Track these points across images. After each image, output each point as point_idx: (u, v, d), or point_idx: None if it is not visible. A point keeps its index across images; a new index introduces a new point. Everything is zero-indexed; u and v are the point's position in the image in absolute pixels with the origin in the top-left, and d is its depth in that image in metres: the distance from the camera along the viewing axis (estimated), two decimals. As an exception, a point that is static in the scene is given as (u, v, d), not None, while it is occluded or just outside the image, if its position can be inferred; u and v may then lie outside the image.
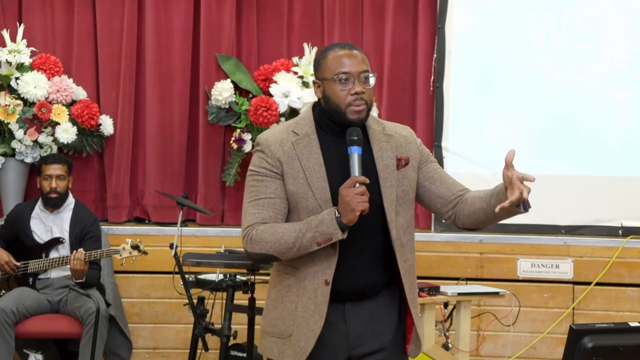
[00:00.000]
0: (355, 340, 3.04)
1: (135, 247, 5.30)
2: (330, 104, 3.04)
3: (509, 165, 3.06)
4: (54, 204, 5.48)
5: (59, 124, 5.90)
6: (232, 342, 5.02)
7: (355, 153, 2.97)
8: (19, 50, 5.94)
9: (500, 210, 3.00)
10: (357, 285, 3.03)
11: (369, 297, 3.06)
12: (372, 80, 3.04)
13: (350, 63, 3.01)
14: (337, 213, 2.93)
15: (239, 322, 5.01)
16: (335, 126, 3.06)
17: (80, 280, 5.24)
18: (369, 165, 3.02)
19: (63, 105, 5.94)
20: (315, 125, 3.07)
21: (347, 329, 3.04)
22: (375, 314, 3.07)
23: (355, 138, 2.97)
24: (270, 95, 5.98)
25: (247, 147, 6.01)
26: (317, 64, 3.08)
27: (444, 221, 3.19)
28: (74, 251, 5.23)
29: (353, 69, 3.01)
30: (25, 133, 5.84)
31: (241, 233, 3.07)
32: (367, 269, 3.04)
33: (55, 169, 5.49)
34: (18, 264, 5.40)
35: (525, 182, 3.02)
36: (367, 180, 2.93)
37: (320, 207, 2.98)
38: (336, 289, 3.00)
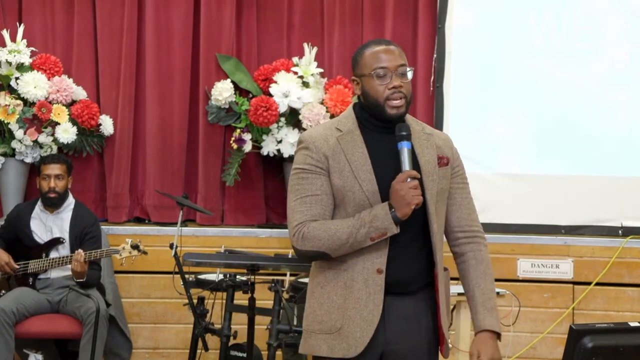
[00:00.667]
0: (391, 336, 3.04)
1: (135, 247, 5.30)
2: (369, 100, 3.07)
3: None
4: (53, 203, 5.48)
5: (59, 124, 5.90)
6: (232, 342, 5.01)
7: (405, 148, 3.00)
8: (19, 50, 5.94)
9: None
10: (404, 276, 3.04)
11: (409, 293, 3.06)
12: (409, 74, 3.08)
13: (387, 58, 3.06)
14: (390, 208, 2.95)
15: (239, 322, 5.01)
16: (376, 122, 3.09)
17: (81, 280, 5.24)
18: (412, 159, 3.05)
19: (63, 105, 5.94)
20: (357, 122, 3.10)
21: (384, 323, 3.03)
22: (413, 312, 3.07)
23: (405, 133, 3.02)
24: (270, 95, 5.98)
25: (247, 147, 6.01)
26: (355, 62, 3.13)
27: None
28: (75, 253, 5.23)
29: (390, 63, 3.05)
30: (25, 133, 5.84)
31: (290, 232, 3.05)
32: (410, 262, 3.05)
33: (53, 169, 5.49)
34: (17, 266, 5.40)
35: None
36: (419, 175, 2.98)
37: (368, 199, 3.00)
38: (392, 280, 3.02)
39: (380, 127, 3.08)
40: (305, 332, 3.11)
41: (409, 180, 2.95)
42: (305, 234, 3.00)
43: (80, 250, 5.22)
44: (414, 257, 3.06)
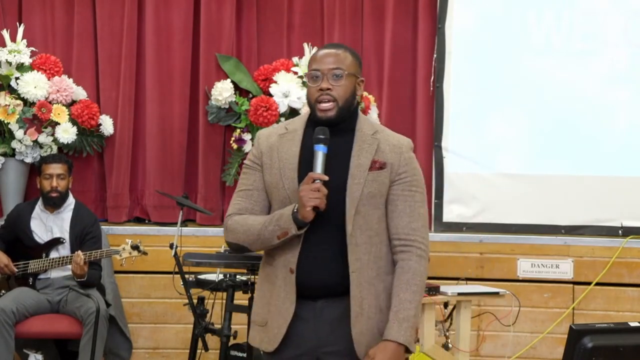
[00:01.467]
0: (324, 339, 3.06)
1: (135, 247, 5.30)
2: (307, 101, 3.14)
3: None
4: (54, 203, 5.48)
5: (59, 124, 5.90)
6: (232, 342, 5.01)
7: (319, 152, 3.02)
8: (19, 50, 5.94)
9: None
10: (320, 277, 3.05)
11: (338, 295, 3.06)
12: (346, 79, 3.07)
13: (322, 61, 3.09)
14: (295, 208, 3.00)
15: (239, 322, 5.01)
16: (319, 123, 3.11)
17: (82, 280, 5.24)
18: (344, 163, 3.07)
19: (63, 105, 5.94)
20: (307, 122, 3.15)
21: (316, 327, 3.07)
22: (345, 315, 3.06)
23: (322, 137, 3.03)
24: (270, 95, 5.98)
25: (247, 147, 6.01)
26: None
27: None
28: (75, 255, 5.23)
29: (324, 66, 3.07)
30: (25, 133, 5.84)
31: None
32: (328, 263, 3.06)
33: (55, 168, 5.49)
34: (16, 269, 5.40)
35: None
36: (326, 177, 2.99)
37: (289, 197, 3.05)
38: (303, 282, 3.05)
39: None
40: (251, 322, 3.25)
41: (316, 182, 2.97)
42: (228, 226, 3.14)
43: (79, 252, 5.22)
44: (332, 259, 3.05)
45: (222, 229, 3.19)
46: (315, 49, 6.10)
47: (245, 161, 3.20)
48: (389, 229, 3.11)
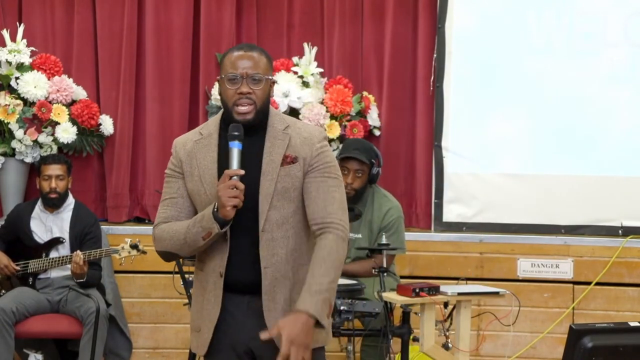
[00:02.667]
0: (253, 331, 3.07)
1: (134, 246, 5.30)
2: (222, 103, 3.14)
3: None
4: (53, 204, 5.48)
5: (59, 123, 5.90)
6: (232, 342, 5.01)
7: (234, 148, 3.04)
8: (19, 50, 5.94)
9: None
10: (245, 275, 3.08)
11: (256, 292, 3.09)
12: (264, 83, 3.09)
13: (241, 64, 3.08)
14: (215, 208, 3.02)
15: (239, 322, 5.01)
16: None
17: (81, 280, 5.24)
18: (256, 159, 3.09)
19: (63, 105, 5.94)
20: (220, 125, 3.16)
21: (244, 319, 3.10)
22: (259, 310, 3.09)
23: (236, 133, 3.05)
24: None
25: (247, 147, 6.00)
26: (219, 64, 3.19)
27: None
28: (74, 255, 5.22)
29: (242, 70, 3.08)
30: (25, 133, 5.84)
31: None
32: (247, 262, 3.09)
33: (54, 169, 5.49)
34: (17, 268, 5.40)
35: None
36: (242, 172, 3.01)
37: (211, 202, 3.06)
38: (232, 280, 3.09)
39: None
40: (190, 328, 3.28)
41: (234, 178, 2.99)
42: (155, 235, 3.17)
43: (78, 252, 5.22)
44: (250, 257, 3.08)
45: (153, 239, 3.21)
46: (315, 49, 6.11)
47: (165, 170, 3.22)
48: (307, 218, 3.12)
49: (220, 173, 3.07)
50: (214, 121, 3.19)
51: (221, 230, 3.02)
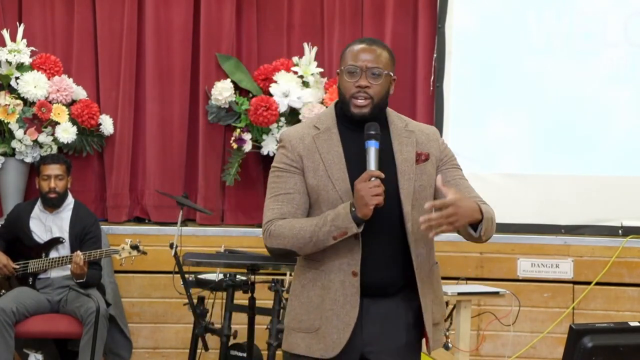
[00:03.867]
0: (368, 338, 3.03)
1: (134, 247, 5.30)
2: (340, 95, 3.08)
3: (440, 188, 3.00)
4: (53, 204, 5.48)
5: (59, 123, 5.90)
6: (232, 342, 5.02)
7: (372, 147, 2.97)
8: (19, 50, 5.94)
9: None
10: (379, 278, 3.02)
11: (388, 294, 3.05)
12: (384, 79, 3.04)
13: (361, 57, 3.03)
14: (352, 207, 2.93)
15: (239, 322, 5.01)
16: (352, 119, 3.06)
17: (81, 281, 5.24)
18: (388, 158, 3.03)
19: (63, 105, 5.94)
20: (336, 119, 3.09)
21: (361, 326, 3.02)
22: (391, 313, 3.05)
23: (373, 132, 2.98)
24: (270, 95, 5.98)
25: (247, 147, 6.01)
26: (340, 57, 3.13)
27: None
28: (74, 255, 5.22)
29: (362, 62, 3.02)
30: (25, 133, 5.84)
31: (262, 229, 3.08)
32: (388, 262, 3.03)
33: (53, 169, 5.49)
34: (17, 266, 5.40)
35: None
36: (382, 175, 2.93)
37: (341, 198, 2.99)
38: (365, 283, 3.01)
39: (357, 125, 3.05)
40: (287, 329, 3.14)
41: (372, 179, 2.92)
42: (272, 232, 3.03)
43: (78, 252, 5.22)
44: (389, 258, 3.04)
45: (263, 236, 3.06)
46: (315, 49, 6.11)
47: (277, 165, 3.09)
48: None
49: (348, 167, 3.01)
50: (328, 114, 3.12)
51: (359, 230, 2.95)
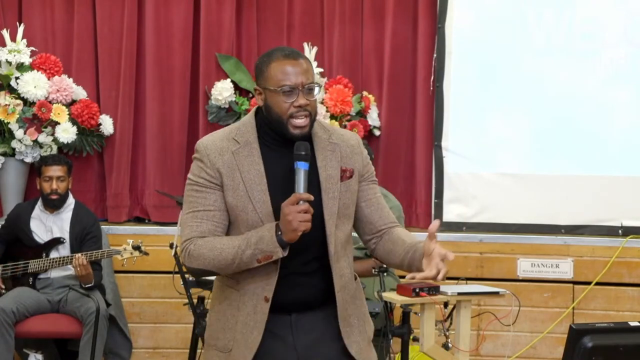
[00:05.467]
0: (303, 351, 2.97)
1: (136, 247, 5.30)
2: (272, 115, 2.90)
3: (431, 237, 2.86)
4: (54, 205, 5.48)
5: (59, 123, 5.90)
6: (232, 342, 5.01)
7: (302, 169, 2.83)
8: (19, 50, 5.94)
9: (410, 273, 2.89)
10: (299, 297, 2.95)
11: (312, 307, 2.98)
12: (316, 91, 2.90)
13: (294, 73, 2.87)
14: (277, 230, 2.81)
15: (239, 321, 5.00)
16: (276, 136, 2.93)
17: (90, 285, 5.26)
18: (311, 175, 2.88)
19: (63, 105, 5.94)
20: (257, 134, 2.94)
21: (294, 340, 2.96)
22: (319, 324, 2.99)
23: (303, 153, 2.84)
24: (270, 95, 5.97)
25: (247, 147, 6.00)
26: (260, 71, 2.93)
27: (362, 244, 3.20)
28: (74, 259, 5.22)
29: (297, 80, 2.87)
30: (25, 133, 5.84)
31: (181, 247, 2.95)
32: (308, 282, 2.95)
33: (55, 171, 5.48)
34: (3, 286, 5.39)
35: (444, 259, 2.82)
36: (312, 198, 2.81)
37: (262, 221, 2.87)
38: (279, 301, 2.92)
39: (281, 142, 2.92)
40: (205, 343, 3.07)
41: (301, 203, 2.79)
42: (191, 252, 2.89)
43: (79, 255, 5.22)
44: (312, 277, 2.95)
45: (182, 255, 2.94)
46: (315, 49, 6.11)
47: (195, 179, 2.92)
48: (367, 224, 3.04)
49: (269, 188, 2.88)
50: (248, 127, 2.95)
51: (284, 253, 2.82)
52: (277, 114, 2.89)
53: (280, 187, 2.89)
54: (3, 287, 5.37)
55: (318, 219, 2.89)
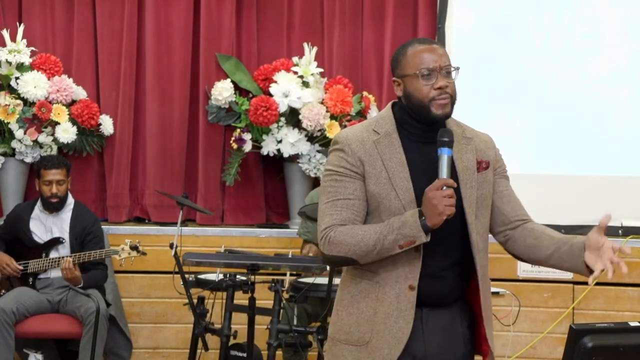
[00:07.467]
0: (431, 348, 2.95)
1: (134, 247, 5.30)
2: (412, 101, 2.95)
3: (601, 230, 2.93)
4: (54, 207, 5.48)
5: (59, 123, 5.90)
6: (232, 342, 5.01)
7: (445, 155, 2.87)
8: (19, 50, 5.94)
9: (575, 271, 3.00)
10: (438, 290, 2.94)
11: (446, 304, 2.98)
12: (454, 74, 2.97)
13: (431, 57, 2.94)
14: (420, 215, 2.83)
15: (239, 322, 5.01)
16: (417, 124, 2.97)
17: (80, 286, 5.25)
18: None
19: (63, 105, 5.94)
20: (396, 124, 2.98)
21: (424, 335, 2.94)
22: (451, 324, 2.99)
23: (447, 139, 2.88)
24: (270, 95, 5.98)
25: (247, 147, 6.01)
26: (396, 62, 2.99)
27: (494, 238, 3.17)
28: (62, 261, 5.22)
29: (435, 63, 2.93)
30: (25, 133, 5.84)
31: (318, 235, 2.94)
32: (447, 274, 2.95)
33: (54, 174, 5.47)
34: (20, 267, 5.39)
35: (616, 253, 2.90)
36: (455, 184, 2.85)
37: (404, 208, 2.88)
38: (422, 296, 2.91)
39: (421, 131, 2.97)
40: (331, 340, 3.01)
41: (444, 188, 2.81)
42: (331, 239, 2.88)
43: (67, 258, 5.22)
44: (451, 269, 2.96)
45: (321, 243, 2.91)
46: (315, 49, 6.10)
47: (335, 168, 2.94)
48: (500, 216, 3.07)
49: (411, 176, 2.90)
50: (386, 119, 2.99)
51: (427, 239, 2.82)
52: (418, 98, 2.94)
53: (421, 176, 2.91)
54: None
55: (458, 211, 2.89)
